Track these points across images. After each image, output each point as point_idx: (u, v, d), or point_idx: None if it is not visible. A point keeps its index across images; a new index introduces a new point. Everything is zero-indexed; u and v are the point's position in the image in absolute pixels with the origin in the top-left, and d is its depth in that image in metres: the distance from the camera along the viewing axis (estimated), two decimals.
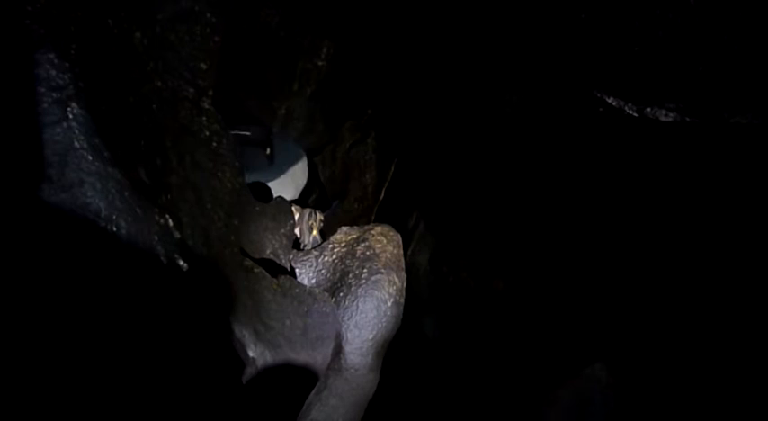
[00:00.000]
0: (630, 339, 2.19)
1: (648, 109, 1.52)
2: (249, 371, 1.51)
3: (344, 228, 2.44)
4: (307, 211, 2.37)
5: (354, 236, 2.35)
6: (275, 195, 2.37)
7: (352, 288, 2.15)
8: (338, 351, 2.04)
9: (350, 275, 2.19)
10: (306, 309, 1.82)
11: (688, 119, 1.48)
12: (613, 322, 2.24)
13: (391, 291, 2.20)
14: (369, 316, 2.12)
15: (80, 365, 1.04)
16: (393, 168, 3.17)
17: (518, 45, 1.75)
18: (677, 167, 1.96)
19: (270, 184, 3.10)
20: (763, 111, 1.42)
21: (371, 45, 2.86)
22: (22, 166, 1.09)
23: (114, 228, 1.15)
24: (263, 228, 1.94)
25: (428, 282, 2.95)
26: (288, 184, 3.26)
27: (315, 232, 2.38)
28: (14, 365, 0.97)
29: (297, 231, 2.31)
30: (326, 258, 2.28)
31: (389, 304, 2.18)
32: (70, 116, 1.14)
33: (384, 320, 2.16)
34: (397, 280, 2.24)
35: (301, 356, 1.72)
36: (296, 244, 2.32)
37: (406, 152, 3.14)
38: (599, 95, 1.58)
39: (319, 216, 2.47)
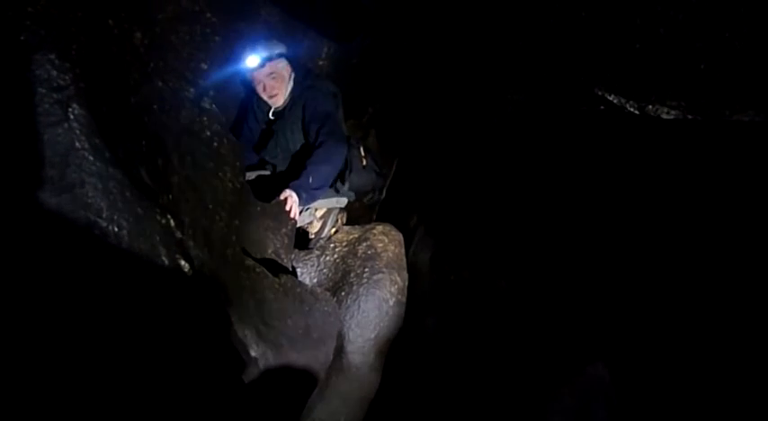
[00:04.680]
0: (632, 338, 2.18)
1: (650, 107, 1.52)
2: (251, 372, 1.51)
3: (346, 228, 2.44)
4: (337, 208, 2.37)
5: (356, 235, 2.35)
6: None
7: (354, 287, 2.15)
8: (340, 350, 2.04)
9: (351, 274, 2.19)
10: (308, 308, 1.81)
11: (690, 116, 1.48)
12: (615, 321, 2.23)
13: (393, 290, 2.20)
14: (370, 315, 2.12)
15: (82, 365, 1.04)
16: (394, 167, 3.17)
17: (520, 43, 1.75)
18: (679, 165, 1.96)
19: None
20: (764, 109, 1.42)
21: (373, 43, 2.86)
22: (24, 167, 1.09)
23: (116, 229, 1.15)
24: (265, 228, 1.94)
25: (430, 280, 2.94)
26: None
27: (333, 230, 2.37)
28: (17, 365, 0.97)
29: (318, 225, 2.30)
30: (328, 257, 2.28)
31: (391, 303, 2.18)
32: (71, 117, 1.14)
33: (386, 319, 2.16)
34: (398, 279, 2.25)
35: (303, 356, 1.72)
36: (305, 236, 2.31)
37: (407, 151, 3.14)
38: (600, 93, 1.58)
39: (343, 217, 2.46)
